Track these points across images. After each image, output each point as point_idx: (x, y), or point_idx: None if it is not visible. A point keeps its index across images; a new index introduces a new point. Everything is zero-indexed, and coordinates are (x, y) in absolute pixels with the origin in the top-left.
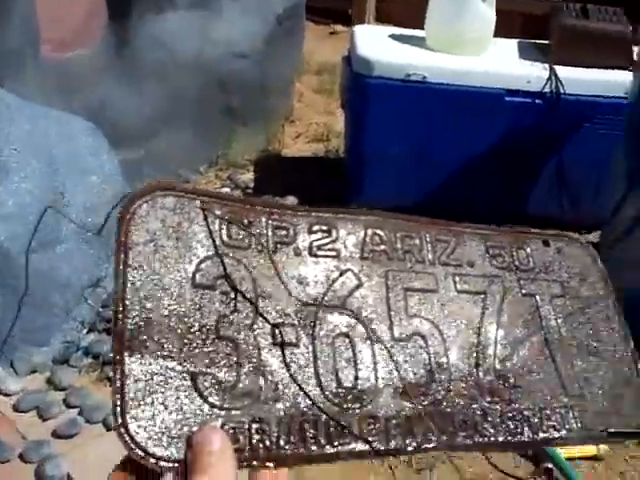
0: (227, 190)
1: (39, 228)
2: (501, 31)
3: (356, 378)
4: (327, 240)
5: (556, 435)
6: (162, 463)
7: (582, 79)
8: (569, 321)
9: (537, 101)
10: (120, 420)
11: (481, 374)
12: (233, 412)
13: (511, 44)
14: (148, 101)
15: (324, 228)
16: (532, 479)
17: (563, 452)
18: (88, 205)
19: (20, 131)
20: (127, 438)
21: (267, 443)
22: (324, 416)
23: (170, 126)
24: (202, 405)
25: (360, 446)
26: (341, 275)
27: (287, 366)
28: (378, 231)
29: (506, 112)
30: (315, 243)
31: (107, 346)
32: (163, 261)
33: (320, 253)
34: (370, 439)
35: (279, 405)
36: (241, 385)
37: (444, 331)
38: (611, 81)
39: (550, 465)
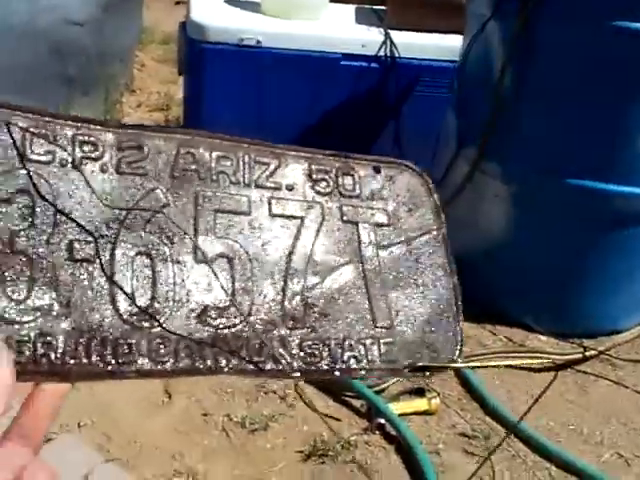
0: None
1: None
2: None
3: (152, 298)
4: (136, 157)
5: (356, 366)
6: None
7: (416, 43)
8: (390, 251)
9: (373, 65)
10: None
11: (287, 300)
12: (20, 326)
13: (348, 9)
14: None
15: (133, 144)
16: (365, 435)
17: (396, 408)
18: None
19: None
20: None
21: (52, 357)
22: (113, 333)
23: (3, 95)
24: None
25: (147, 365)
26: (147, 194)
27: (81, 282)
28: (192, 150)
29: (342, 76)
30: (123, 160)
31: None
32: None
33: (127, 170)
34: (158, 359)
35: (69, 320)
36: (32, 299)
37: (252, 255)
38: (444, 45)
39: (382, 421)
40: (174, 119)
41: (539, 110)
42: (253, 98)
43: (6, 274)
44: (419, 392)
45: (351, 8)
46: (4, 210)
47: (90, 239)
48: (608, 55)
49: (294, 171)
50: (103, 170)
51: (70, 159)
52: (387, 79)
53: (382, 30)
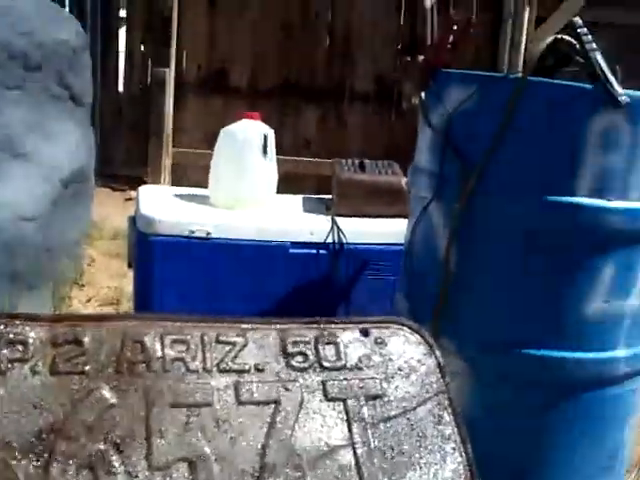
0: None
1: None
2: (296, 193)
3: None
4: (74, 353)
5: None
6: None
7: (363, 229)
8: (387, 428)
9: (321, 251)
10: None
11: None
12: None
13: (296, 199)
14: None
15: (70, 338)
16: None
17: None
18: None
19: None
20: None
21: None
22: None
23: None
24: None
25: None
26: (88, 395)
27: None
28: (139, 338)
29: (291, 263)
30: (59, 358)
31: None
32: None
33: (64, 369)
34: None
35: None
36: None
37: (218, 454)
38: (391, 229)
39: None
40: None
41: (486, 284)
42: (204, 288)
43: None
44: None
45: (298, 198)
46: None
47: (21, 456)
48: (542, 227)
49: (264, 347)
50: (34, 372)
51: None
52: (336, 264)
53: (329, 218)
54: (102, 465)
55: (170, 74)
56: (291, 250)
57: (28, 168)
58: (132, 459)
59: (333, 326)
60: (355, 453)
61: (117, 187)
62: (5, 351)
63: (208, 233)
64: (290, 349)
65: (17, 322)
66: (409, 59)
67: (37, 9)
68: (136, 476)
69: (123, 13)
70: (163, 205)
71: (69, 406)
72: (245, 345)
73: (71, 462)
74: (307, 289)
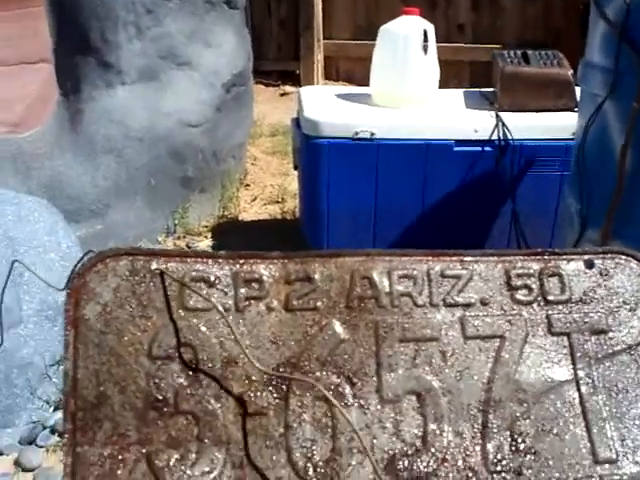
0: None
1: None
2: (451, 80)
3: (332, 450)
4: (306, 290)
5: None
6: None
7: (528, 124)
8: (611, 363)
9: (486, 149)
10: None
11: (488, 438)
12: None
13: (457, 94)
14: (102, 175)
15: (301, 276)
16: None
17: None
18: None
19: None
20: None
21: None
22: None
23: (126, 198)
24: None
25: None
26: (321, 330)
27: (254, 438)
28: (367, 273)
29: (456, 162)
30: (292, 295)
31: None
32: (117, 333)
33: (297, 306)
34: None
35: None
36: (201, 462)
37: (445, 387)
38: (557, 124)
39: None
40: (290, 211)
41: None
42: (369, 189)
43: (174, 436)
44: None
45: (459, 92)
46: (166, 368)
47: (260, 389)
48: None
49: (489, 281)
50: (270, 309)
51: (232, 302)
52: (501, 161)
53: (492, 113)
54: (336, 398)
55: None
56: (455, 148)
57: (191, 76)
58: (364, 392)
59: (556, 258)
60: (579, 389)
61: (271, 83)
62: (242, 290)
63: (372, 134)
64: (514, 282)
65: (251, 261)
66: None
67: None
68: (367, 408)
69: None
70: (326, 106)
71: (303, 341)
72: (470, 279)
73: (308, 394)
74: (472, 187)
